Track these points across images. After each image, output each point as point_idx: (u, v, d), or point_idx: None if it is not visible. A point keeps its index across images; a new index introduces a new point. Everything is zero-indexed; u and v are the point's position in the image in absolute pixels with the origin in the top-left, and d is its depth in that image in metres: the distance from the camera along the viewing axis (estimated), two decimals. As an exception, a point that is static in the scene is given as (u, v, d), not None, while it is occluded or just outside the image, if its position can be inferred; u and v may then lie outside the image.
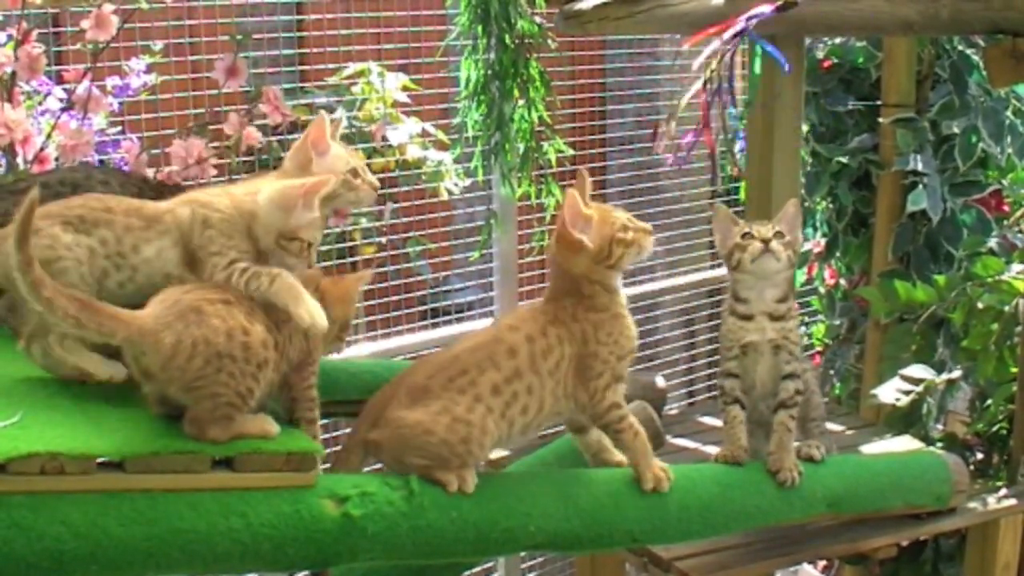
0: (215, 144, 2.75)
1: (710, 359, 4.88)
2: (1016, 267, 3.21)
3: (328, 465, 2.06)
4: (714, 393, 4.73)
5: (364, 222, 3.60)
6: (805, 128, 3.74)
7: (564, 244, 2.09)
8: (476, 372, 1.98)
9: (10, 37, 2.61)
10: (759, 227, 2.34)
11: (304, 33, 3.66)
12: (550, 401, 2.04)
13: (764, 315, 2.34)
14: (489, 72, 3.42)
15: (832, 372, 4.00)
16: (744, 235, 2.33)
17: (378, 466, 2.13)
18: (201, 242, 2.02)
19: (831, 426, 2.77)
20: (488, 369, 1.98)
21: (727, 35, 2.59)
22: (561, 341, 2.04)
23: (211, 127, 2.86)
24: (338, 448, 3.46)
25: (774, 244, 2.31)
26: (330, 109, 3.63)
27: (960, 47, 3.75)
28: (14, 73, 2.57)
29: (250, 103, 2.80)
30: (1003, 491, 2.83)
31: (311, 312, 1.92)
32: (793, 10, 2.85)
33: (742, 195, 4.02)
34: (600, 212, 2.13)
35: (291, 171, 2.18)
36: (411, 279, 3.78)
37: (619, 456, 2.17)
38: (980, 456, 3.22)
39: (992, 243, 3.69)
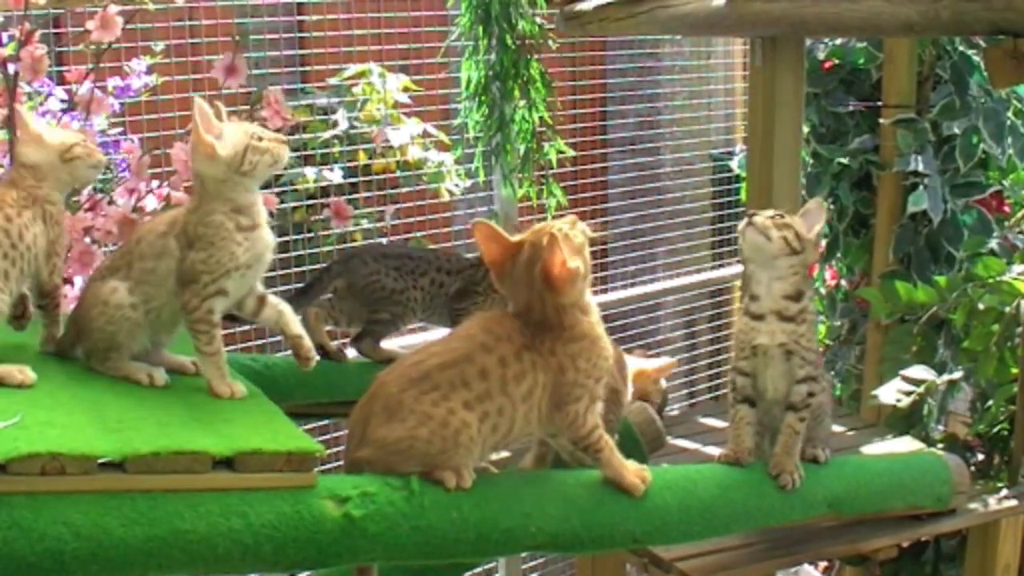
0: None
1: (712, 360, 4.89)
2: (1017, 268, 3.21)
3: (329, 466, 2.06)
4: (716, 394, 4.76)
5: (365, 223, 3.60)
6: (806, 129, 3.75)
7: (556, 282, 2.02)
8: (448, 389, 1.95)
9: (11, 38, 2.61)
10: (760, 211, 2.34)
11: (305, 34, 3.67)
12: (521, 424, 2.01)
13: (774, 315, 2.29)
14: (490, 73, 3.42)
15: (833, 373, 4.00)
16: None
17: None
18: None
19: (832, 427, 2.76)
20: (459, 388, 1.95)
21: None
22: (535, 367, 2.00)
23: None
24: (339, 449, 3.47)
25: (758, 219, 2.27)
26: (331, 110, 3.64)
27: (961, 48, 3.75)
28: (17, 73, 2.58)
29: (251, 106, 2.79)
30: (1004, 492, 2.82)
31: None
32: (794, 10, 2.85)
33: (743, 196, 4.02)
34: None
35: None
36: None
37: None
38: (981, 457, 3.22)
39: (993, 244, 3.69)
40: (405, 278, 2.76)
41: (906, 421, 3.38)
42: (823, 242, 4.04)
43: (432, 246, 3.40)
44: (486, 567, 4.08)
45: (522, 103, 3.47)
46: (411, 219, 3.76)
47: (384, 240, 3.67)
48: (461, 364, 1.97)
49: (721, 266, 4.79)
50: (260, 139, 2.13)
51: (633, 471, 2.10)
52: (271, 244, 2.19)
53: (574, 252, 2.00)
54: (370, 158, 3.67)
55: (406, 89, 3.68)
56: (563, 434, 2.06)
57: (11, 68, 2.56)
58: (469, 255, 3.01)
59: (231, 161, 2.10)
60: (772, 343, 2.30)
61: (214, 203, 2.12)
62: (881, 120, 3.80)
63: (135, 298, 2.12)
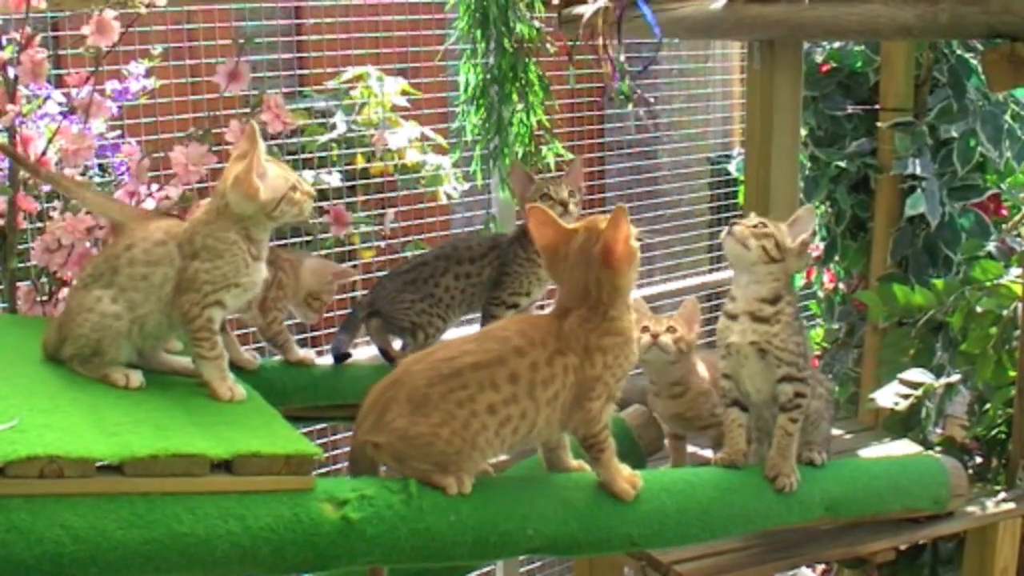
0: (217, 148, 2.74)
1: (709, 363, 4.88)
2: (1014, 271, 3.21)
3: (327, 469, 2.06)
4: (712, 397, 4.75)
5: (363, 226, 3.61)
6: (803, 132, 3.75)
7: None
8: (476, 389, 1.97)
9: (9, 40, 2.61)
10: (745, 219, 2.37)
11: (303, 37, 3.67)
12: (542, 426, 2.04)
13: (747, 315, 2.31)
14: (488, 76, 3.43)
15: (831, 376, 4.00)
16: None
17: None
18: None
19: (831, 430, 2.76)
20: (487, 389, 1.97)
21: None
22: (566, 371, 2.02)
23: (212, 131, 2.86)
24: (336, 452, 3.46)
25: (737, 228, 2.31)
26: (329, 113, 3.65)
27: (958, 51, 3.76)
28: (16, 76, 2.58)
29: (251, 110, 2.79)
30: (1001, 495, 2.82)
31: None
32: (791, 14, 2.85)
33: (741, 199, 4.03)
34: None
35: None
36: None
37: (574, 462, 2.17)
38: (978, 460, 3.22)
39: (990, 247, 3.69)
40: (422, 287, 2.77)
41: (904, 424, 3.37)
42: (821, 245, 4.05)
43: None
44: (484, 570, 4.07)
45: (520, 106, 3.47)
46: (409, 222, 3.77)
47: (383, 243, 3.68)
48: (493, 366, 1.99)
49: (718, 269, 4.79)
50: (295, 190, 2.19)
51: (625, 476, 2.12)
52: (264, 278, 2.26)
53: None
54: (368, 161, 3.68)
55: (404, 92, 3.68)
56: (577, 431, 2.07)
57: (11, 72, 2.56)
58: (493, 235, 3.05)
59: (266, 204, 2.16)
60: (743, 341, 2.32)
61: (231, 224, 2.17)
62: (879, 123, 3.79)
63: (119, 307, 2.13)
